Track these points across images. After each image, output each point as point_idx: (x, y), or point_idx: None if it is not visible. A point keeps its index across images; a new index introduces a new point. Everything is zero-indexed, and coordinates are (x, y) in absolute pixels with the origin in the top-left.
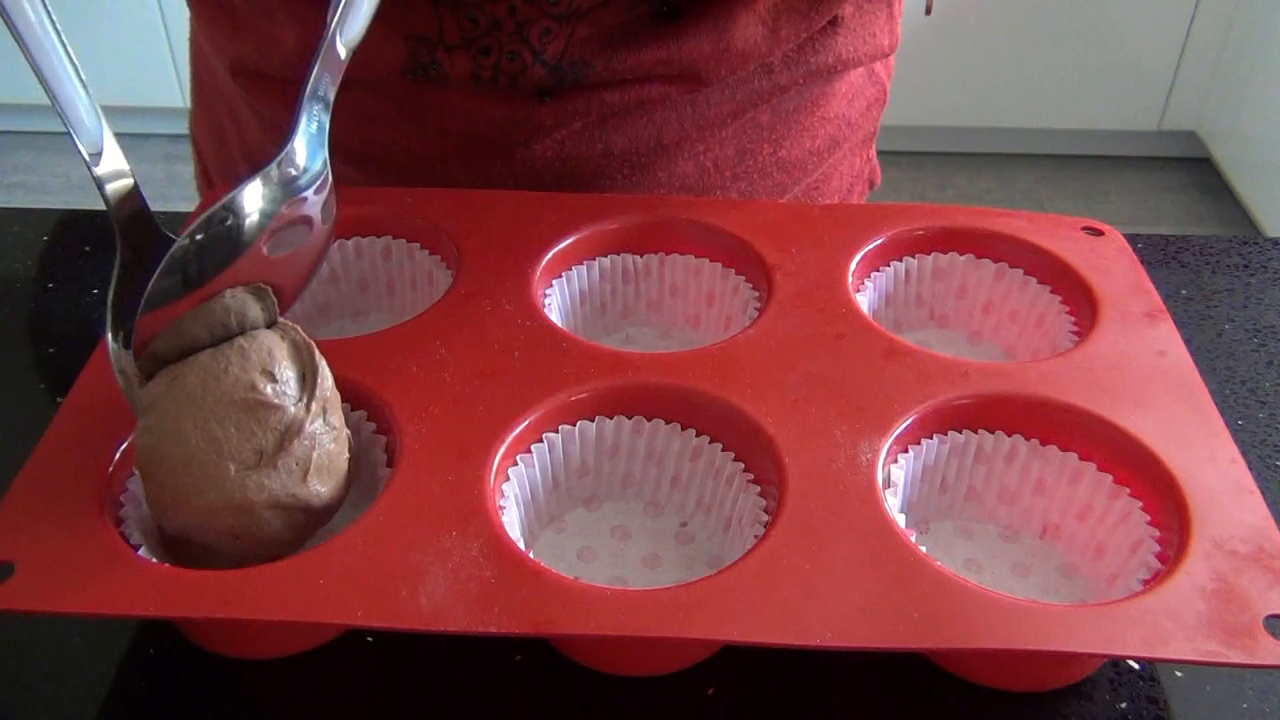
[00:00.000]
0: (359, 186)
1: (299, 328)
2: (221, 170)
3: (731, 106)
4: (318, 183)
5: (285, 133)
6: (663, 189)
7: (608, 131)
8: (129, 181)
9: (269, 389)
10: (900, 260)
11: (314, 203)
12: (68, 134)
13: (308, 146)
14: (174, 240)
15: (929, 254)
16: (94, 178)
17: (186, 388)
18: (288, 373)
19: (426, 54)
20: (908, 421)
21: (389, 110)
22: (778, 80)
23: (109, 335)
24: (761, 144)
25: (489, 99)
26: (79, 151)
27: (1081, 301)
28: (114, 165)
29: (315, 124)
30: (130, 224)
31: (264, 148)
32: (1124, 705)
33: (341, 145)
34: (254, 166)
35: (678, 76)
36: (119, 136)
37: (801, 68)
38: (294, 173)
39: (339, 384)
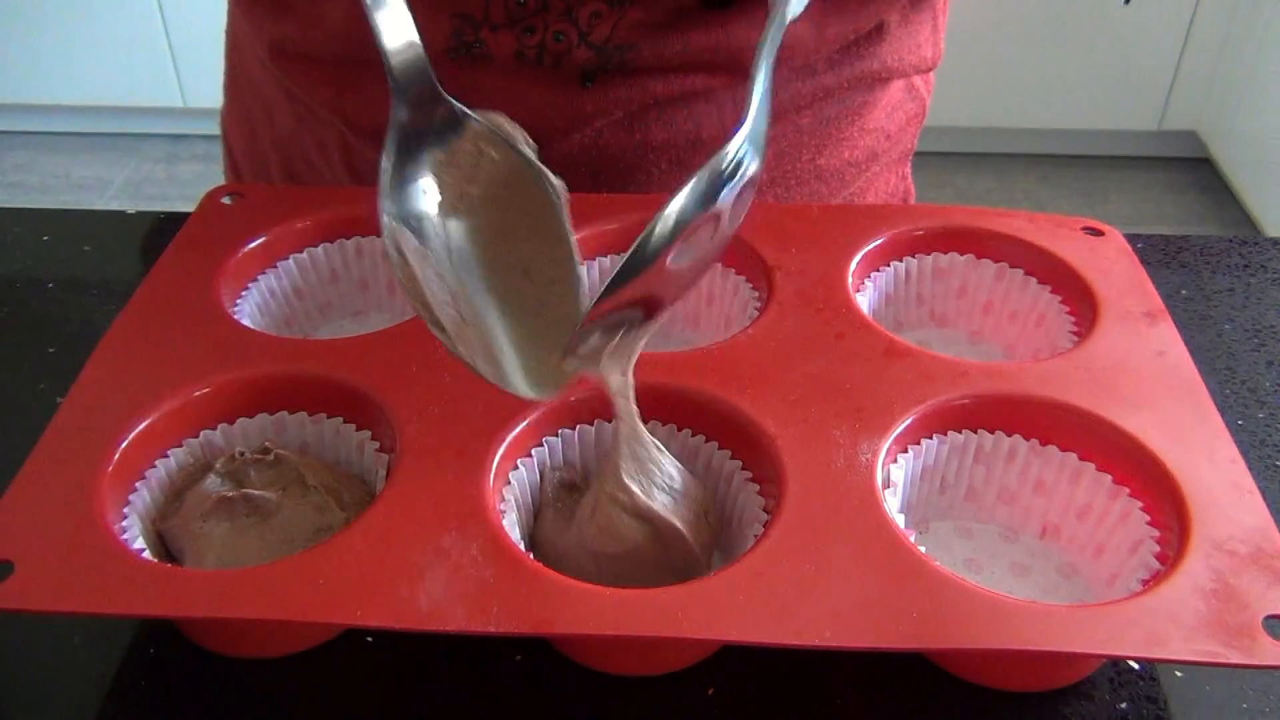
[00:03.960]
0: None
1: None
2: (252, 163)
3: (773, 106)
4: (745, 175)
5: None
6: None
7: (648, 123)
8: (414, 39)
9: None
10: (900, 260)
11: (730, 199)
12: None
13: (751, 135)
14: (454, 103)
15: (929, 254)
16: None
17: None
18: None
19: (471, 32)
20: (907, 421)
21: None
22: (821, 82)
23: (382, 209)
24: (801, 149)
25: (531, 82)
26: None
27: (1081, 301)
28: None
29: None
30: (409, 76)
31: (296, 137)
32: (1124, 705)
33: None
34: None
35: (723, 67)
36: (118, 136)
37: (846, 71)
38: (733, 167)
39: (340, 384)
